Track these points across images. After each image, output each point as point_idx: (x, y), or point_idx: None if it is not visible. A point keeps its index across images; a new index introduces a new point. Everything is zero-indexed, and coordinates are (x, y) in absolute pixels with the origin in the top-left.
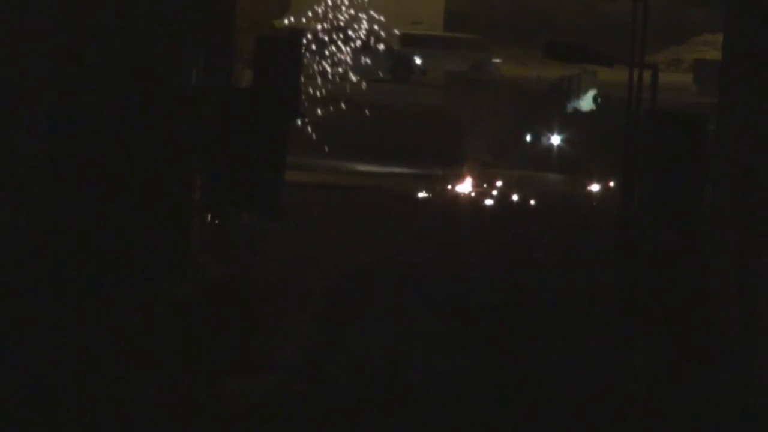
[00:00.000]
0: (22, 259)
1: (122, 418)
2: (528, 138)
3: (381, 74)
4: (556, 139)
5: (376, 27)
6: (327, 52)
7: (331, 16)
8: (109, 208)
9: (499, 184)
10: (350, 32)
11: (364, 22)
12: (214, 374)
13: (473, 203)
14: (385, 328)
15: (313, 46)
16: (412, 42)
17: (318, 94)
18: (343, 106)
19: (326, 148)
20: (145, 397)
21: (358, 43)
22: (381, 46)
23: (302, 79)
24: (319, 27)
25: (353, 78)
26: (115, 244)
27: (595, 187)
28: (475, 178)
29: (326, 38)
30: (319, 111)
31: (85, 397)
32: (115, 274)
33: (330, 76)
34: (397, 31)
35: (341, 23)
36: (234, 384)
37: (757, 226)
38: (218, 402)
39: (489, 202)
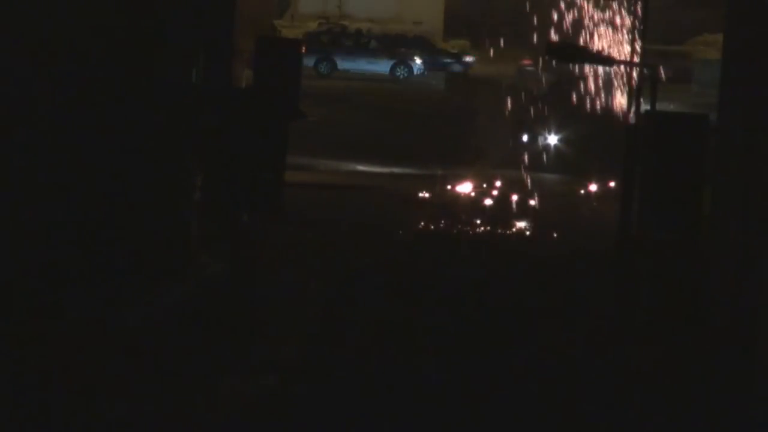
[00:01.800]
0: (21, 258)
1: (122, 417)
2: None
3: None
4: (552, 139)
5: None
6: None
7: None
8: (108, 207)
9: (498, 184)
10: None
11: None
12: (214, 374)
13: (473, 204)
14: (385, 328)
15: None
16: None
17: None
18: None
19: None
20: (145, 397)
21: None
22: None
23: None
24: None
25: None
26: (114, 243)
27: (593, 188)
28: (475, 179)
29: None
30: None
31: (84, 397)
32: (115, 274)
33: None
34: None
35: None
36: (233, 384)
37: (757, 225)
38: (218, 402)
39: (489, 202)
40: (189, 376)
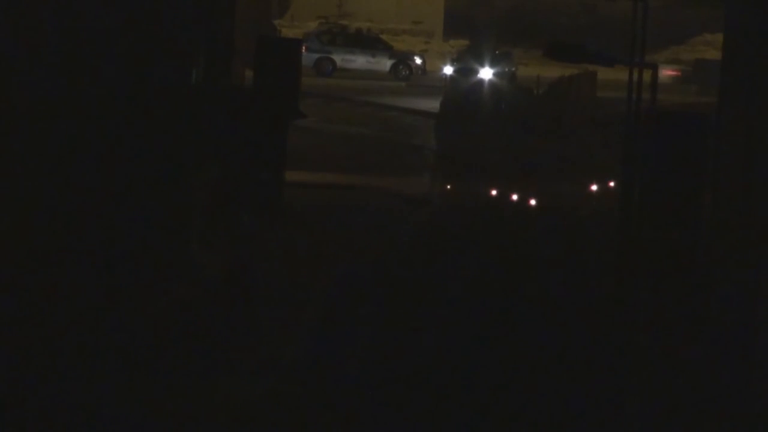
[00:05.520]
0: (22, 258)
1: (122, 417)
2: None
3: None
4: None
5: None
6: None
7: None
8: (109, 207)
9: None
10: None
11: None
12: (214, 374)
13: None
14: (384, 328)
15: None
16: None
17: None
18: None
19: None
20: (144, 396)
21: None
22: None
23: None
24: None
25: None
26: (115, 243)
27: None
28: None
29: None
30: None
31: (85, 396)
32: (115, 274)
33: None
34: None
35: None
36: (233, 384)
37: (757, 224)
38: (217, 402)
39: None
40: (189, 376)
